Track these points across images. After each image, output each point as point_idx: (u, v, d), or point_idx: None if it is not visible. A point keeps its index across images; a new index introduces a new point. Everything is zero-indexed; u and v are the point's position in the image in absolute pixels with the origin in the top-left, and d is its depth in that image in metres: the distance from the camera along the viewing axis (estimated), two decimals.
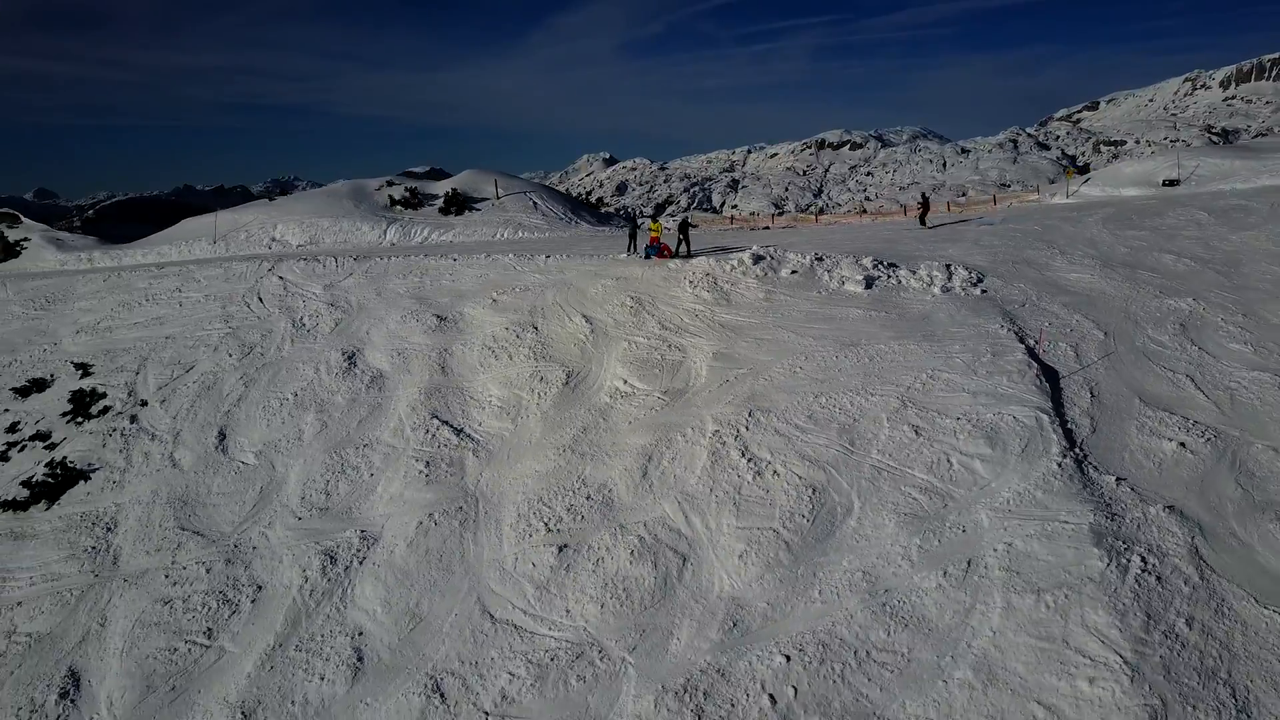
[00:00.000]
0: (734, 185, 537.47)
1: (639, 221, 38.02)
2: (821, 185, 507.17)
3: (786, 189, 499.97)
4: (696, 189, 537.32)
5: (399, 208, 49.86)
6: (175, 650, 19.44)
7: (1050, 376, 22.39)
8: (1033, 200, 54.04)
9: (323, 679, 18.14)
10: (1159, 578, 16.36)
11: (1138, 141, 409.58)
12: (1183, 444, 19.67)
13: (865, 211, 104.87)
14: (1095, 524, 17.57)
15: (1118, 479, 18.91)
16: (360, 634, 19.01)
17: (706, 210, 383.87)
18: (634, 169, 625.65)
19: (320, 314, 31.51)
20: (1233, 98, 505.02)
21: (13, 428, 27.59)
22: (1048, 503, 18.33)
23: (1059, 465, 19.18)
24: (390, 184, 53.17)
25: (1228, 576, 16.41)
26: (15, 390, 29.22)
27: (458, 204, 50.83)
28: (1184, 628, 15.45)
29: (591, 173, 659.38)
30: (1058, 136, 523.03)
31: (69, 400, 28.05)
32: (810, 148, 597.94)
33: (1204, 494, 18.42)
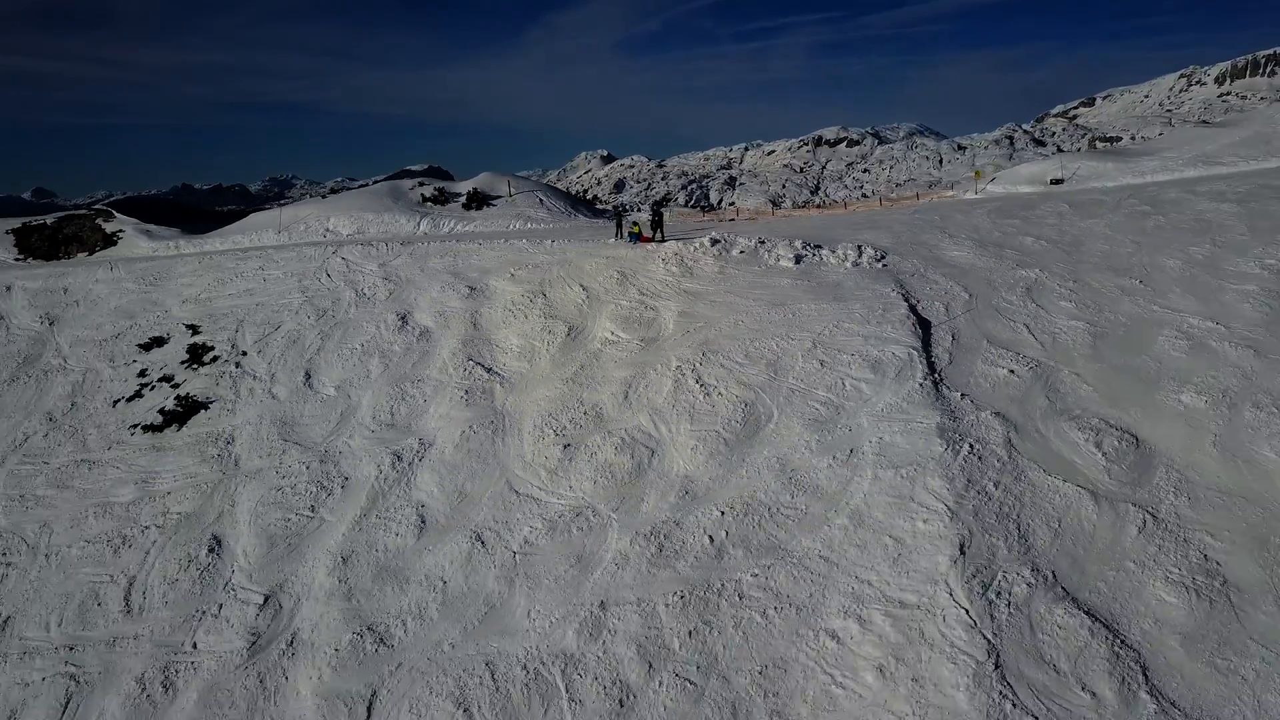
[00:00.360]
0: (731, 182, 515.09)
1: (624, 215, 43.41)
2: (819, 182, 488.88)
3: (784, 186, 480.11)
4: (694, 186, 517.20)
5: (429, 204, 54.67)
6: (288, 520, 24.60)
7: (924, 325, 27.27)
8: (949, 196, 58.38)
9: (397, 535, 23.36)
10: (980, 457, 21.57)
11: (1133, 138, 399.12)
12: (1012, 370, 24.75)
13: (846, 204, 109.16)
14: (941, 424, 22.73)
15: (962, 394, 24.01)
16: (422, 506, 24.20)
17: (704, 207, 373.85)
18: (632, 166, 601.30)
19: (377, 286, 36.13)
20: (1228, 93, 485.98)
21: (142, 373, 32.49)
22: (910, 410, 23.48)
23: (920, 385, 24.29)
24: (421, 184, 57.92)
25: (1028, 457, 21.60)
26: (140, 346, 34.10)
27: (478, 200, 55.66)
28: (992, 488, 20.67)
29: (589, 170, 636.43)
30: (1053, 133, 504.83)
31: (186, 351, 32.96)
32: (807, 145, 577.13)
33: (1021, 404, 23.53)
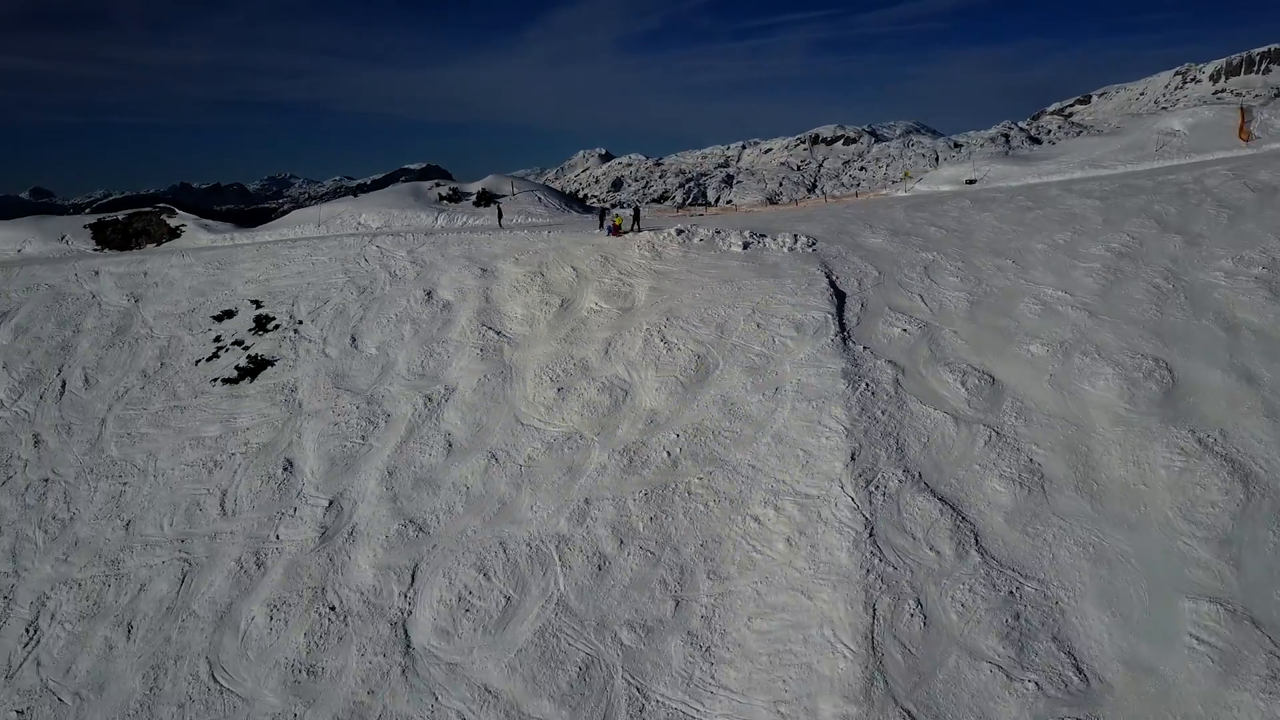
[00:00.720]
0: (729, 180, 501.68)
1: (607, 211, 47.90)
2: (815, 180, 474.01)
3: (780, 183, 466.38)
4: (691, 184, 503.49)
5: (445, 202, 58.68)
6: (344, 446, 29.01)
7: (840, 296, 31.45)
8: (883, 194, 62.38)
9: (430, 455, 27.77)
10: (873, 393, 26.09)
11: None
12: (905, 329, 29.09)
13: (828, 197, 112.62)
14: (845, 368, 27.17)
15: (864, 347, 28.37)
16: (448, 434, 28.60)
17: (701, 204, 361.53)
18: (629, 165, 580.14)
19: (406, 268, 39.70)
20: (1222, 90, 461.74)
21: (217, 339, 36.63)
22: (822, 359, 27.89)
23: (832, 341, 28.67)
24: (437, 185, 61.91)
25: (910, 392, 26.08)
26: (214, 317, 38.18)
27: (485, 199, 59.67)
28: (880, 415, 25.22)
29: (587, 169, 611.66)
30: (1049, 130, 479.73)
31: (252, 321, 37.07)
32: (804, 143, 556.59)
33: (909, 354, 27.94)
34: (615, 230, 41.52)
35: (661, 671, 20.02)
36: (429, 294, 36.78)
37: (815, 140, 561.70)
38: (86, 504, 28.54)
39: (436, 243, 42.59)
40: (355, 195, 65.34)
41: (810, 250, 35.40)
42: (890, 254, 34.43)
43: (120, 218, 54.56)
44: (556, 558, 23.27)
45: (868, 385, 26.35)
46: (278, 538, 25.81)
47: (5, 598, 25.67)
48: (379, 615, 22.71)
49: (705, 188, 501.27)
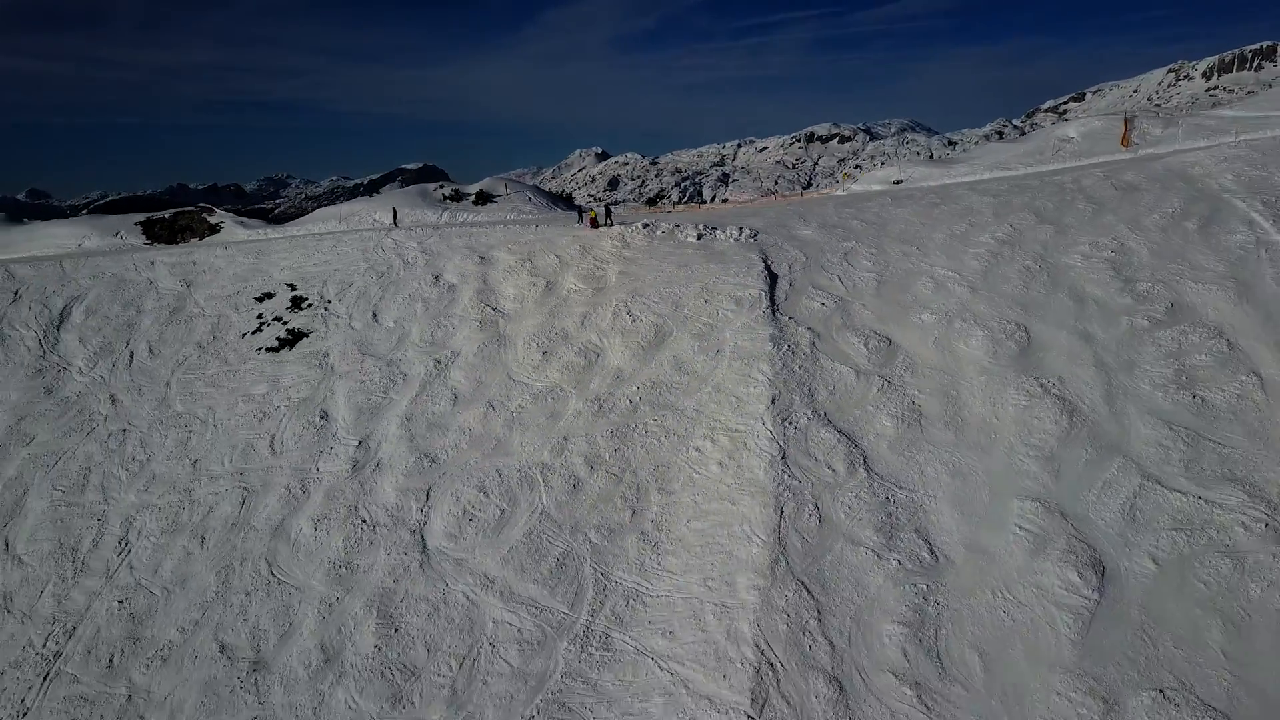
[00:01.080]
0: (724, 179, 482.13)
1: (584, 209, 51.79)
2: (810, 178, 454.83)
3: (776, 182, 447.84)
4: (687, 183, 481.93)
5: (448, 201, 62.25)
6: (370, 399, 32.89)
7: (773, 277, 35.23)
8: (825, 193, 66.21)
9: (439, 405, 31.60)
10: (793, 352, 30.04)
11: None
12: (823, 303, 32.99)
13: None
14: (772, 334, 31.09)
15: (789, 317, 32.29)
16: (454, 389, 32.44)
17: (697, 203, 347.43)
18: (626, 163, 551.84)
19: (417, 256, 42.94)
20: (1215, 87, 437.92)
21: (259, 316, 40.29)
22: (755, 327, 31.81)
23: (764, 312, 32.52)
24: (442, 187, 65.60)
25: (823, 352, 30.04)
26: (256, 298, 41.88)
27: (483, 198, 63.41)
28: (797, 369, 29.22)
29: (584, 168, 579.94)
30: (1043, 128, 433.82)
31: (289, 301, 40.76)
32: (799, 141, 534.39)
33: (825, 323, 31.87)
34: (593, 223, 45.30)
35: (620, 561, 24.14)
36: (437, 278, 40.42)
37: (811, 138, 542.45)
38: (159, 448, 32.41)
39: (442, 235, 46.26)
40: (371, 195, 68.74)
41: (752, 240, 39.21)
42: (818, 243, 38.27)
43: (166, 216, 58.11)
44: (540, 480, 27.34)
45: (789, 347, 30.37)
46: (318, 470, 29.77)
47: (99, 520, 29.56)
48: (401, 525, 26.76)
49: (701, 186, 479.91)
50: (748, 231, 39.83)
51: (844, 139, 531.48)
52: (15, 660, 24.96)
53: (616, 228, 42.79)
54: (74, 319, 41.04)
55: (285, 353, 36.85)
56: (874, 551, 22.40)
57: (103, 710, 23.11)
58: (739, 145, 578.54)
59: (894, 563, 22.01)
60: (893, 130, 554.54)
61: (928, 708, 18.74)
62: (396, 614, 23.94)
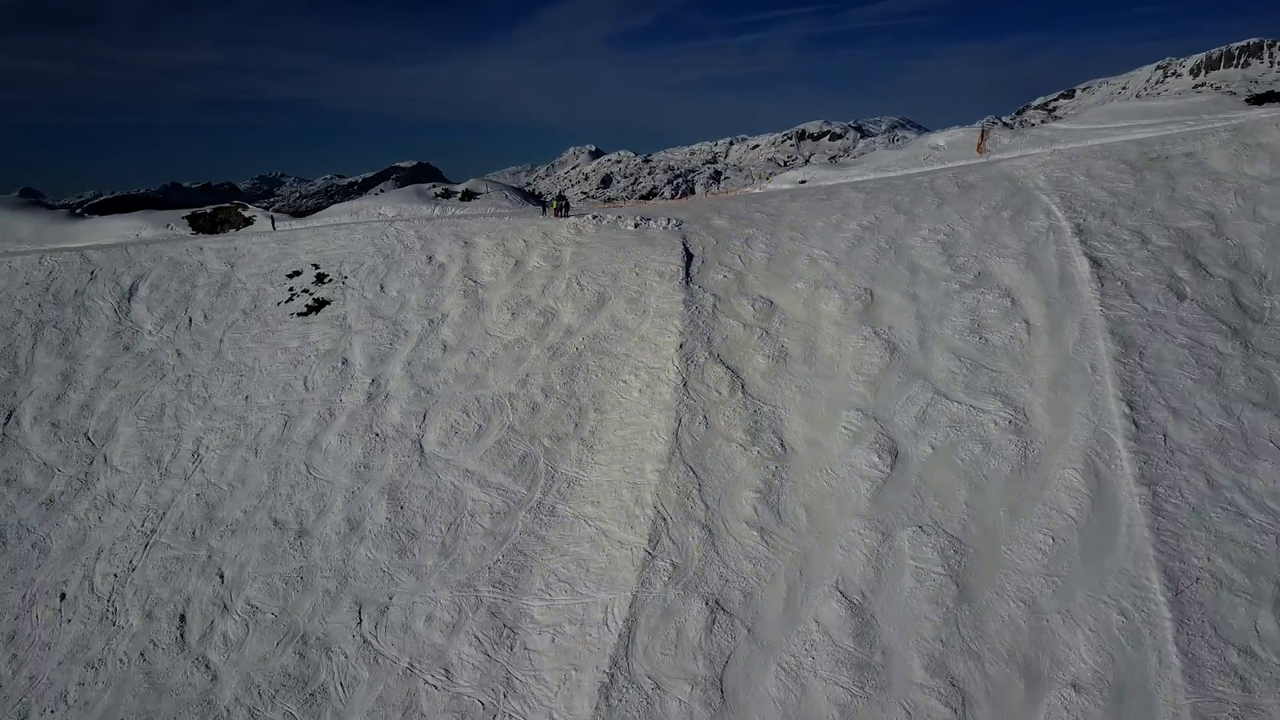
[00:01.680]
0: (716, 176, 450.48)
1: (547, 201, 56.98)
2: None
3: (768, 179, 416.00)
4: (680, 180, 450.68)
5: (439, 198, 67.38)
6: (378, 349, 38.11)
7: (689, 256, 40.82)
8: (745, 191, 70.95)
9: (432, 352, 36.81)
10: (699, 312, 35.52)
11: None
12: (724, 276, 38.39)
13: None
14: (685, 299, 36.58)
15: (699, 287, 37.72)
16: (444, 341, 37.63)
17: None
18: (618, 161, 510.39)
19: (414, 242, 48.01)
20: (1202, 84, 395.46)
21: (290, 289, 45.36)
22: (673, 293, 37.22)
23: (680, 283, 37.92)
24: (434, 186, 70.73)
25: (721, 311, 35.39)
26: (287, 275, 46.87)
27: (468, 195, 68.40)
28: (701, 325, 34.74)
29: (577, 165, 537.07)
30: (1032, 125, 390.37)
31: (314, 277, 45.77)
32: (791, 139, 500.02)
33: (725, 290, 37.19)
34: (555, 214, 50.62)
35: (564, 458, 29.70)
36: (430, 258, 45.45)
37: (802, 136, 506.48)
38: (218, 387, 37.51)
39: (434, 225, 51.24)
40: (368, 194, 73.25)
41: (676, 228, 44.57)
42: (726, 230, 43.62)
43: (208, 211, 62.69)
44: (508, 405, 32.80)
45: (697, 307, 35.88)
46: (341, 400, 35.05)
47: (176, 440, 34.68)
48: (404, 437, 32.17)
49: (693, 184, 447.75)
50: (674, 222, 45.19)
51: (835, 136, 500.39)
52: (122, 536, 30.22)
53: (572, 218, 48.00)
54: (141, 293, 45.79)
55: (312, 316, 41.84)
56: (741, 446, 28.11)
57: (190, 565, 28.49)
58: (731, 143, 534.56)
59: (755, 453, 27.72)
60: (883, 127, 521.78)
61: (767, 544, 24.50)
62: (402, 497, 29.42)
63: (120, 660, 25.56)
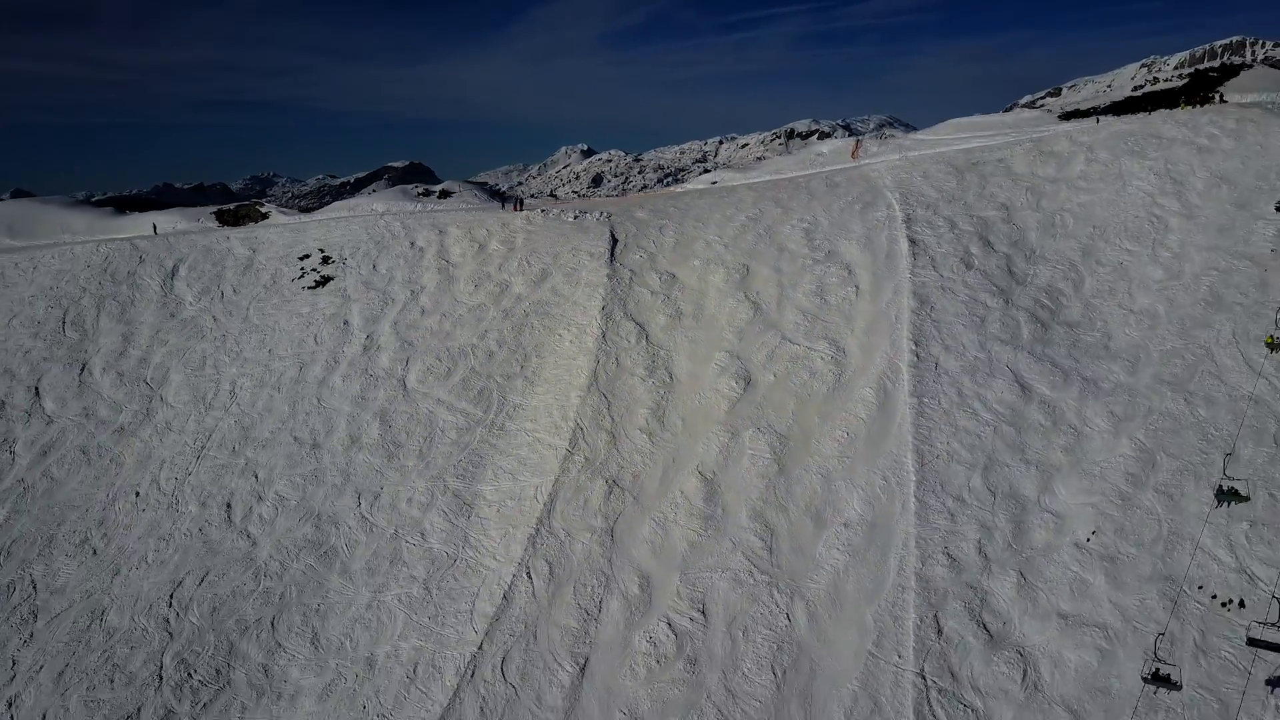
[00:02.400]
0: (705, 175, 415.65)
1: (508, 198, 61.98)
2: None
3: None
4: (670, 179, 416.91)
5: (421, 197, 71.97)
6: (372, 313, 43.07)
7: (615, 240, 46.33)
8: (670, 190, 76.49)
9: (413, 315, 41.82)
10: (619, 282, 41.01)
11: (1096, 122, 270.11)
12: (640, 256, 43.84)
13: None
14: (609, 273, 41.95)
15: (620, 264, 42.92)
16: (423, 306, 42.49)
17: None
18: (609, 160, 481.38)
19: (399, 231, 51.89)
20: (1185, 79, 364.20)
21: (302, 268, 50.13)
22: (599, 269, 42.42)
23: (606, 260, 43.24)
24: (417, 187, 75.34)
25: (635, 282, 40.87)
26: (298, 258, 51.57)
27: (444, 194, 73.07)
28: (620, 291, 40.15)
29: (568, 165, 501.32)
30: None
31: (320, 259, 50.30)
32: (780, 137, 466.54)
33: (642, 265, 42.39)
34: (514, 209, 55.66)
35: (512, 390, 35.08)
36: (412, 244, 50.24)
37: (790, 135, 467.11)
38: (247, 344, 42.31)
39: (416, 217, 55.97)
40: (359, 193, 77.50)
41: (607, 219, 49.75)
42: (646, 220, 48.83)
43: (231, 208, 67.00)
44: (471, 353, 38.06)
45: (618, 279, 41.17)
46: (343, 351, 40.05)
47: (215, 383, 39.51)
48: (392, 377, 37.35)
49: (684, 182, 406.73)
50: (605, 214, 50.43)
51: (823, 135, 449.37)
52: (179, 451, 35.20)
53: (525, 212, 53.14)
54: (181, 273, 50.26)
55: (319, 289, 46.64)
56: (641, 378, 33.65)
57: (231, 470, 33.61)
58: (720, 142, 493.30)
59: (650, 383, 33.29)
60: (871, 126, 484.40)
61: (653, 443, 30.16)
62: (390, 419, 34.70)
63: (184, 534, 30.75)
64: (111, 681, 25.29)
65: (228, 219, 65.14)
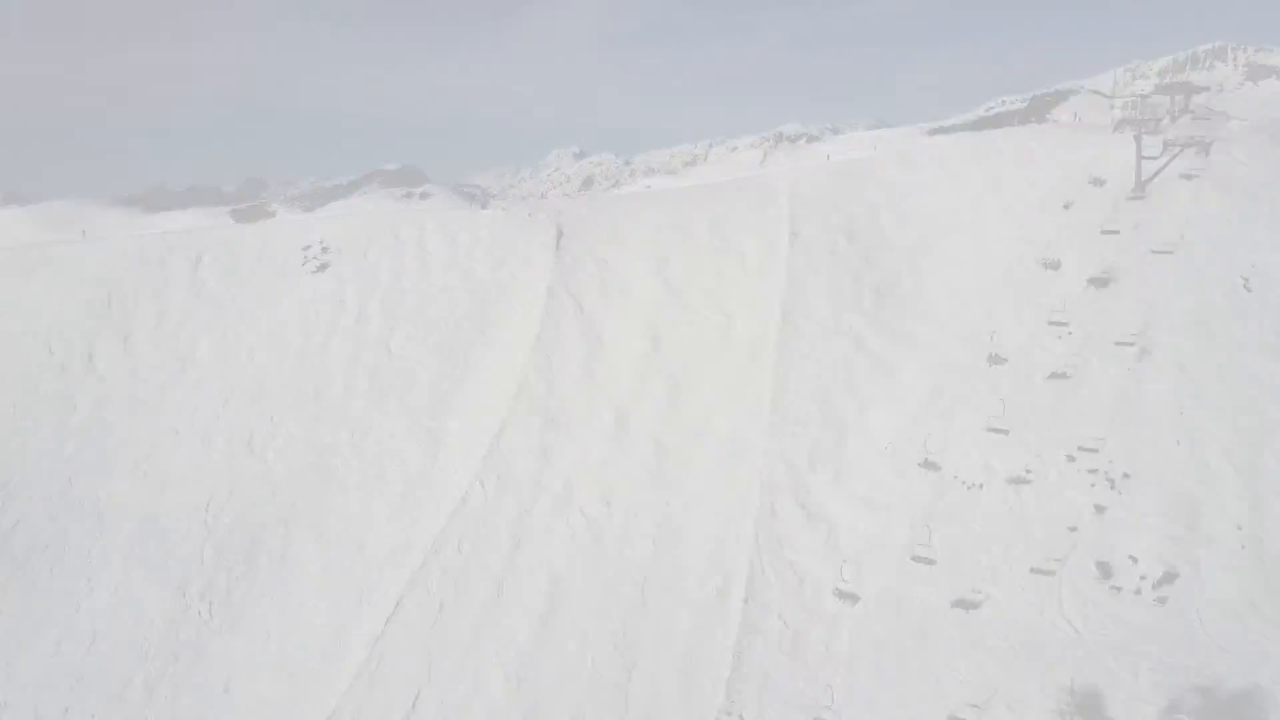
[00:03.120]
0: None
1: (477, 200, 66.28)
2: None
3: None
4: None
5: (405, 197, 75.94)
6: (363, 292, 47.12)
7: (560, 233, 51.09)
8: (614, 192, 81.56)
9: (394, 293, 46.64)
10: (563, 265, 45.68)
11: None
12: (580, 244, 48.54)
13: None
14: (555, 258, 46.80)
15: (563, 251, 47.96)
16: (404, 287, 46.95)
17: None
18: (599, 164, 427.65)
19: (386, 227, 56.62)
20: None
21: (305, 256, 54.32)
22: (546, 254, 46.95)
23: (552, 251, 48.09)
24: (402, 190, 79.35)
25: (577, 263, 45.92)
26: (303, 248, 55.70)
27: (424, 196, 77.11)
28: (563, 271, 44.85)
29: (560, 167, 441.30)
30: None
31: (321, 249, 54.64)
32: (769, 140, 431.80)
33: (579, 253, 47.16)
34: (483, 207, 59.94)
35: (473, 349, 39.79)
36: (396, 236, 54.39)
37: (779, 138, 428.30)
38: (265, 313, 46.13)
39: (400, 214, 60.34)
40: (363, 194, 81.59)
41: (556, 215, 54.40)
42: (587, 217, 53.08)
43: (244, 207, 70.64)
44: (441, 324, 42.55)
45: (561, 264, 45.79)
46: (340, 322, 44.26)
47: (235, 349, 43.69)
48: (378, 343, 41.72)
49: (624, 187, 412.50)
50: (555, 211, 55.04)
51: (811, 139, 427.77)
52: (206, 401, 39.45)
53: (490, 210, 57.55)
54: (205, 260, 53.80)
55: (321, 273, 50.55)
56: (575, 340, 38.51)
57: (251, 414, 38.01)
58: (711, 145, 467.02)
59: (582, 344, 38.18)
60: (859, 129, 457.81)
61: (580, 388, 35.07)
62: (377, 374, 39.22)
63: (215, 462, 35.20)
64: (167, 564, 29.85)
65: (241, 217, 68.77)
